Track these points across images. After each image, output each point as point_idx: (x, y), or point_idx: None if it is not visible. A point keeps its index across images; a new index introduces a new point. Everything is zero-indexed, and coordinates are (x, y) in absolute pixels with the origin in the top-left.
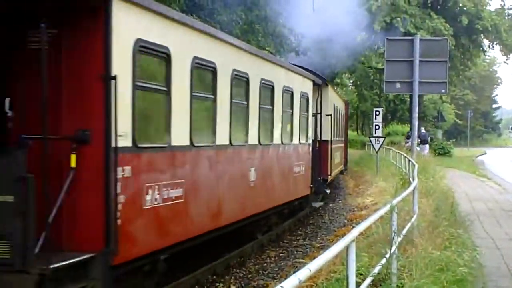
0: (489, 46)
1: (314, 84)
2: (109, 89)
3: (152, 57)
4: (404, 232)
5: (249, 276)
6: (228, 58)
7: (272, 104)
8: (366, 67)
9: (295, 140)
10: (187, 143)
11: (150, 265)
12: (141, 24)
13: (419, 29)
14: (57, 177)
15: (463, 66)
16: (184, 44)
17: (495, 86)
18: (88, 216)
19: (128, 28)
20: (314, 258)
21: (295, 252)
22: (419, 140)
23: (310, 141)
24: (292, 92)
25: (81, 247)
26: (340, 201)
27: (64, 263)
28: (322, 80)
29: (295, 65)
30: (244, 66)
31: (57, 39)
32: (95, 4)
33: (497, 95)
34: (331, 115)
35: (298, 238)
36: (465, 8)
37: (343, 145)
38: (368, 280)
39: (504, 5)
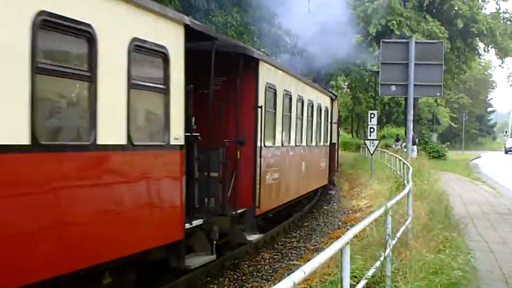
0: (484, 50)
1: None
2: (257, 114)
3: (271, 93)
4: (398, 235)
5: (243, 278)
6: (294, 89)
7: (312, 116)
8: (361, 69)
9: (321, 142)
10: (280, 144)
11: (269, 215)
12: (269, 75)
13: (415, 32)
14: (233, 163)
15: (458, 69)
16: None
17: (490, 89)
18: (245, 186)
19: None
20: (309, 260)
21: (290, 255)
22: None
23: (328, 143)
24: (320, 106)
25: (242, 204)
26: (334, 204)
27: (239, 211)
28: (334, 96)
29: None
30: (302, 92)
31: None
32: (252, 65)
33: (492, 98)
34: (336, 123)
35: (292, 240)
36: (460, 11)
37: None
38: (363, 283)
39: (500, 8)
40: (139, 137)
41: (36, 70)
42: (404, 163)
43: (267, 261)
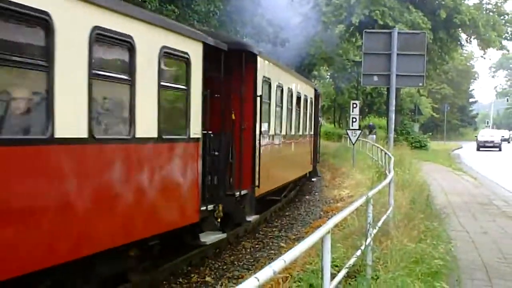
0: (466, 40)
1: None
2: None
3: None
4: (379, 224)
5: (225, 267)
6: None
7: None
8: (344, 59)
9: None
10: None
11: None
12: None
13: (398, 22)
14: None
15: (441, 60)
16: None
17: (472, 80)
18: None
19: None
20: (290, 249)
21: (271, 244)
22: (368, 131)
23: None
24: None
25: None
26: (316, 193)
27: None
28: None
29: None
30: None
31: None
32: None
33: (473, 89)
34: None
35: (274, 229)
36: (443, 2)
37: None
38: (343, 272)
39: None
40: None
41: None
42: (385, 153)
43: (248, 250)
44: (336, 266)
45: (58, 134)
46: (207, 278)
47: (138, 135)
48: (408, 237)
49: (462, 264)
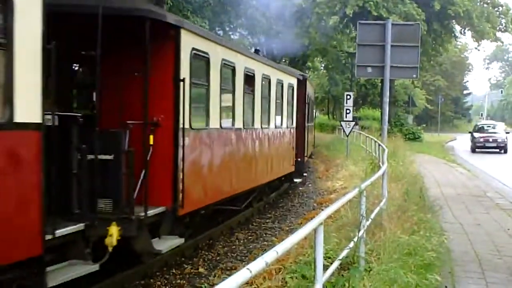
0: (460, 32)
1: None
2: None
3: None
4: (372, 216)
5: (218, 258)
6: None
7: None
8: (338, 51)
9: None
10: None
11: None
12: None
13: (391, 13)
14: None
15: (435, 51)
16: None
17: (466, 72)
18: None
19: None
20: (283, 241)
21: (264, 235)
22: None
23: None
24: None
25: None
26: (310, 185)
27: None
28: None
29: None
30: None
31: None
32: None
33: (468, 81)
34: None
35: (267, 221)
36: None
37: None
38: (336, 264)
39: None
40: None
41: None
42: (379, 145)
43: (241, 241)
44: (329, 257)
45: None
46: (200, 269)
47: None
48: (401, 229)
49: (455, 256)
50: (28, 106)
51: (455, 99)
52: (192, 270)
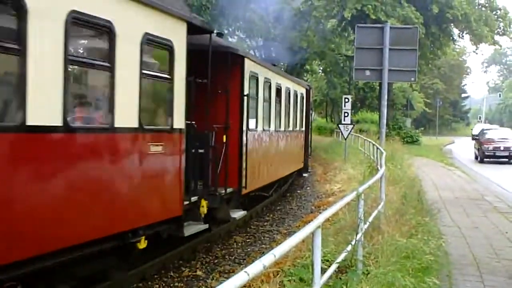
0: (459, 35)
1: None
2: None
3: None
4: (370, 219)
5: (216, 261)
6: (279, 81)
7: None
8: (336, 54)
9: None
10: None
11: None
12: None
13: (390, 17)
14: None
15: (433, 55)
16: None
17: (464, 75)
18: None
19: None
20: (280, 244)
21: (262, 238)
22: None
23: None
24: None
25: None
26: (308, 188)
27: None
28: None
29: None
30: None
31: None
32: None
33: (466, 84)
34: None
35: (265, 224)
36: None
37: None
38: (334, 267)
39: None
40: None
41: None
42: (377, 148)
43: (239, 244)
44: (327, 260)
45: None
46: (198, 272)
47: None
48: (399, 232)
49: (453, 259)
50: (178, 118)
51: (453, 102)
52: (190, 273)
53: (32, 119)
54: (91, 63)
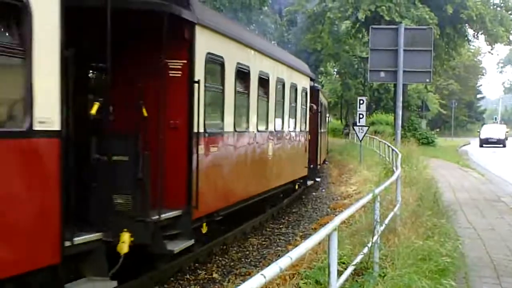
0: (473, 36)
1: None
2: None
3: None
4: (386, 221)
5: (232, 264)
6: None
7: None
8: (351, 55)
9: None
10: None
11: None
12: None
13: (404, 18)
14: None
15: (448, 55)
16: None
17: (479, 76)
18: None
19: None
20: (296, 246)
21: (278, 241)
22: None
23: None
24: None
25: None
26: (323, 190)
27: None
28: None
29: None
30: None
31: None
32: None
33: (481, 85)
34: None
35: (281, 226)
36: None
37: None
38: (350, 269)
39: None
40: None
41: None
42: (393, 150)
43: (255, 247)
44: (343, 263)
45: None
46: (214, 275)
47: None
48: (416, 234)
49: (470, 261)
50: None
51: (469, 103)
52: (206, 276)
53: None
54: None
